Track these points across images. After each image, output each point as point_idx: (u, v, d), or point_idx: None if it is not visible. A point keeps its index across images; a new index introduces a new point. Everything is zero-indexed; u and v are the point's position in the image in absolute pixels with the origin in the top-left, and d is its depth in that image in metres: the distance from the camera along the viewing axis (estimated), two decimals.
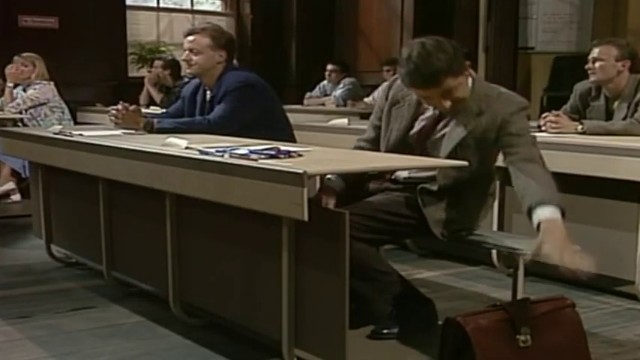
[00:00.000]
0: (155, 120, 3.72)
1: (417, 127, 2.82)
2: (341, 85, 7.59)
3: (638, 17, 7.10)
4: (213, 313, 2.90)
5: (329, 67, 7.71)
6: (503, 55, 7.63)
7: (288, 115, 3.85)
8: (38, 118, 5.88)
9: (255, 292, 2.63)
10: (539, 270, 2.94)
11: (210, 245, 2.85)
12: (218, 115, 3.60)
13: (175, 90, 6.07)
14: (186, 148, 2.84)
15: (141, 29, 8.76)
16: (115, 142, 3.16)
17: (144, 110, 4.40)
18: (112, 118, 3.77)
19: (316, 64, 8.06)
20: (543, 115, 3.89)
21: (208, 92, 3.75)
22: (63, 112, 6.03)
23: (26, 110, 5.85)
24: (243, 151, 2.60)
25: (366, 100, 7.24)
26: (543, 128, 3.75)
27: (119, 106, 3.76)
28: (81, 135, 3.48)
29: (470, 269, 3.94)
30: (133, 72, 8.45)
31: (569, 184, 3.37)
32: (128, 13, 8.53)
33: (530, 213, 2.44)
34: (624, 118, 3.80)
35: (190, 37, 3.68)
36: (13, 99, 5.92)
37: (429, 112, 2.79)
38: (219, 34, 3.70)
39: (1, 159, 5.58)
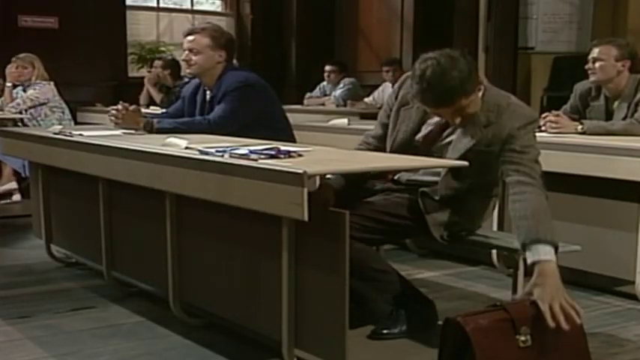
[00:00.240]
0: (155, 120, 3.72)
1: (424, 131, 2.81)
2: (341, 85, 7.59)
3: (638, 17, 7.09)
4: (213, 313, 2.90)
5: (327, 67, 7.72)
6: (503, 55, 7.63)
7: (288, 115, 3.85)
8: (38, 118, 5.88)
9: (255, 292, 2.63)
10: None
11: (210, 245, 2.85)
12: (218, 115, 3.60)
13: (175, 90, 6.07)
14: (186, 148, 2.84)
15: (141, 29, 8.77)
16: (115, 142, 3.16)
17: (144, 110, 4.40)
18: (112, 118, 3.77)
19: (316, 64, 8.06)
20: (543, 115, 3.88)
21: (208, 92, 3.75)
22: (63, 112, 6.03)
23: (26, 110, 5.85)
24: (243, 151, 2.60)
25: (366, 100, 7.24)
26: (543, 128, 3.75)
27: (119, 106, 3.76)
28: (81, 135, 3.48)
29: (470, 269, 3.94)
30: (133, 72, 8.45)
31: (569, 184, 3.38)
32: (128, 13, 8.53)
33: (524, 248, 2.43)
34: (624, 118, 3.80)
35: (190, 37, 3.68)
36: (12, 99, 5.92)
37: (437, 118, 2.77)
38: (218, 34, 3.70)
39: (1, 159, 5.59)
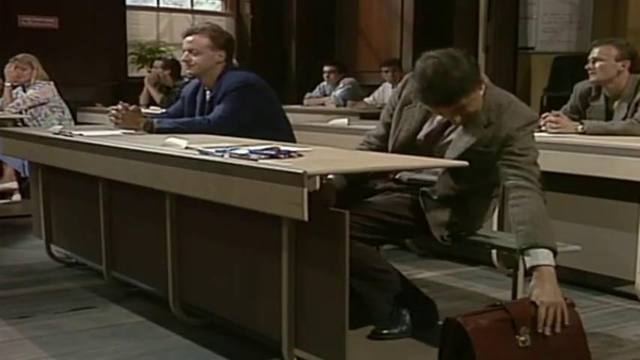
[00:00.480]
0: (155, 120, 3.72)
1: (426, 130, 2.81)
2: (340, 85, 7.59)
3: (638, 17, 7.09)
4: (213, 313, 2.90)
5: (326, 68, 7.71)
6: (503, 55, 7.63)
7: (288, 115, 3.85)
8: (38, 118, 5.88)
9: (255, 292, 2.63)
10: None
11: (210, 245, 2.85)
12: (218, 115, 3.60)
13: (175, 90, 6.07)
14: (186, 148, 2.84)
15: (141, 29, 8.76)
16: (115, 142, 3.16)
17: (144, 110, 4.40)
18: (112, 118, 3.77)
19: (316, 65, 8.06)
20: (543, 115, 3.88)
21: (208, 92, 3.74)
22: (63, 112, 6.03)
23: (26, 110, 5.85)
24: (243, 151, 2.60)
25: (366, 100, 7.24)
26: (543, 128, 3.75)
27: (119, 106, 3.76)
28: (81, 135, 3.48)
29: (470, 269, 3.94)
30: (133, 72, 8.44)
31: (569, 184, 3.38)
32: (128, 13, 8.53)
33: (523, 252, 2.44)
34: (624, 118, 3.80)
35: (189, 38, 3.68)
36: (12, 99, 5.92)
37: (439, 117, 2.77)
38: (218, 34, 3.70)
39: (1, 158, 5.59)
